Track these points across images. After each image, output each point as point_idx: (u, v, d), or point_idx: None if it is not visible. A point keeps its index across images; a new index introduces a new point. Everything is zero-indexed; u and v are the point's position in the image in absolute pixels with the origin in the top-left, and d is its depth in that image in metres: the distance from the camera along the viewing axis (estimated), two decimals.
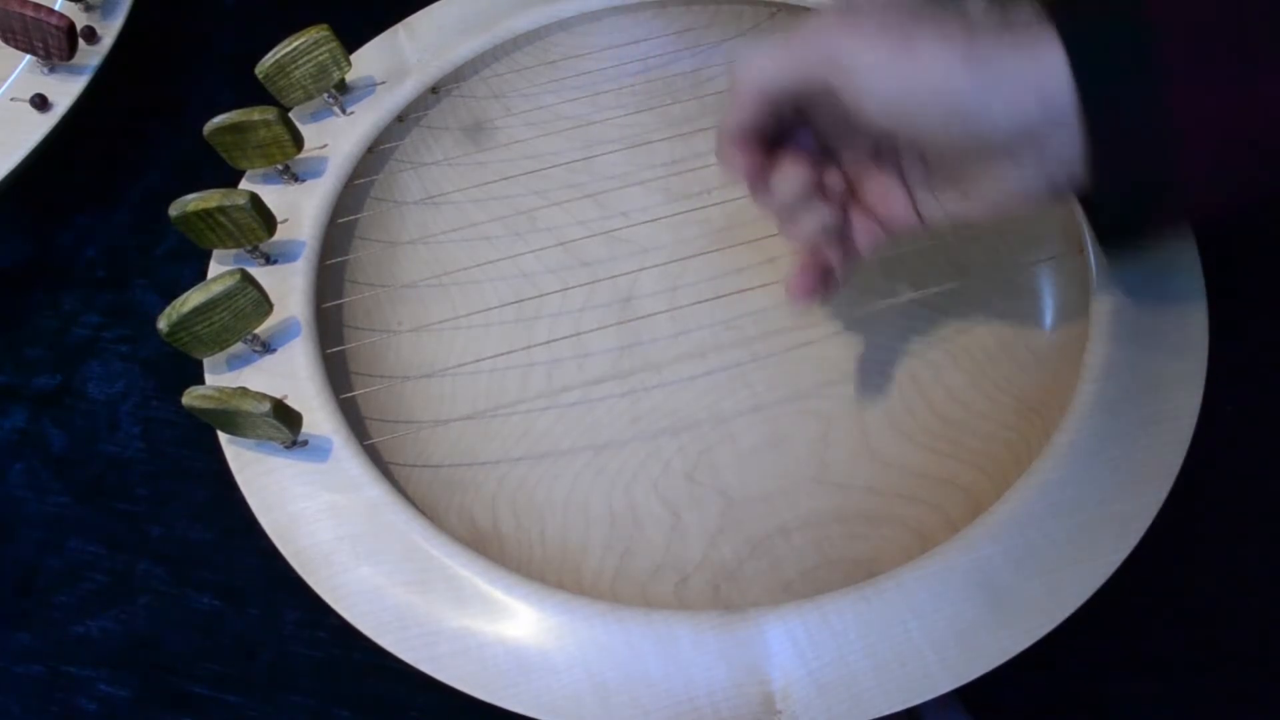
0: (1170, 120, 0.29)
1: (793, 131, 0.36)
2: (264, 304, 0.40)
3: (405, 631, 0.36)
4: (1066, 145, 0.30)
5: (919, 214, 0.36)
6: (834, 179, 0.37)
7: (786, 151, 0.36)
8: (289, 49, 0.45)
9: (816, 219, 0.36)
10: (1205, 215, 0.34)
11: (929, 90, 0.30)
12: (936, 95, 0.30)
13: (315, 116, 0.48)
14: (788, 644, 0.35)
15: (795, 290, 0.39)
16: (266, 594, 0.45)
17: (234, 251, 0.44)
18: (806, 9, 0.49)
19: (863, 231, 0.38)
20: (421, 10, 0.51)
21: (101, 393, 0.50)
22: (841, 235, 0.37)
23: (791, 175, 0.36)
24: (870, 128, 0.33)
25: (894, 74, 0.31)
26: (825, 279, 0.39)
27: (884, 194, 0.37)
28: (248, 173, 0.47)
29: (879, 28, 0.31)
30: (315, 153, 0.47)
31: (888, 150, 0.36)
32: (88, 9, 0.52)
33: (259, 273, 0.43)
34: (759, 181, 0.36)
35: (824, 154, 0.37)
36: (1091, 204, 0.31)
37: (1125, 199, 0.31)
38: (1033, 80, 0.29)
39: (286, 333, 0.43)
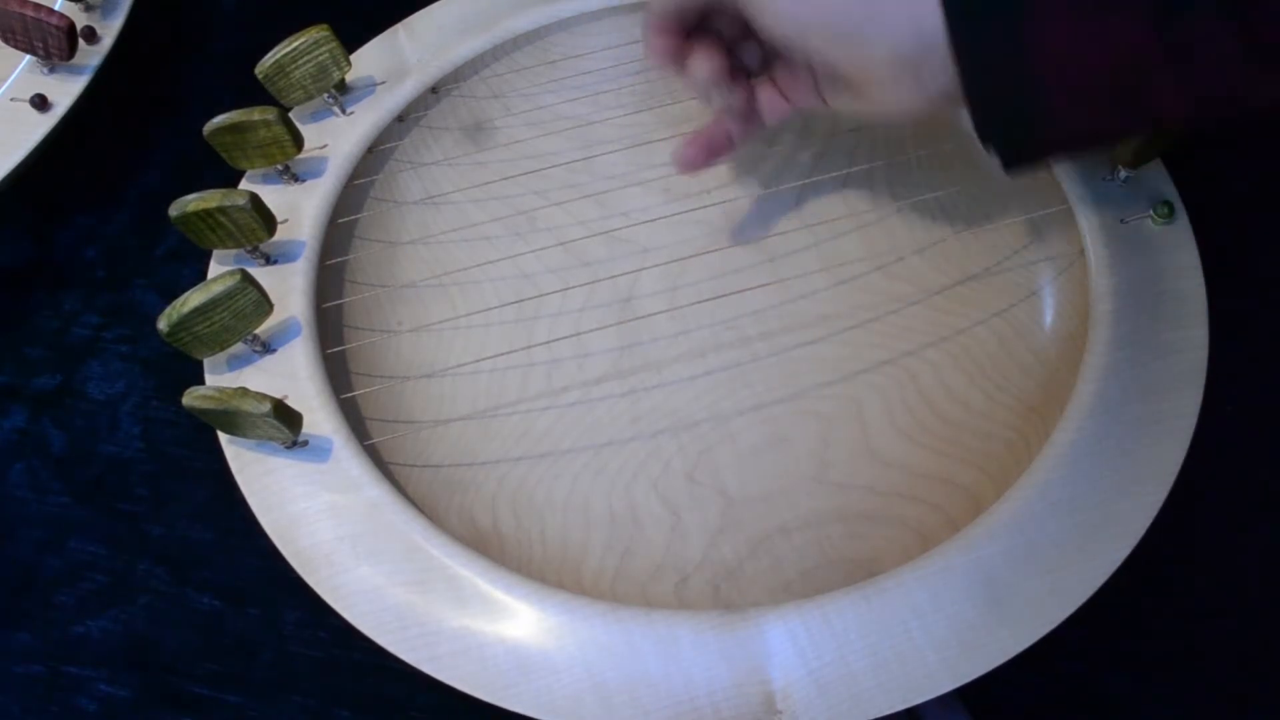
0: (1028, 55, 0.32)
1: (712, 18, 0.40)
2: (264, 304, 0.40)
3: (405, 631, 0.36)
4: (939, 71, 0.33)
5: (824, 100, 0.40)
6: (750, 53, 0.42)
7: (702, 38, 0.40)
8: (289, 49, 0.45)
9: (724, 99, 0.41)
10: (1076, 145, 0.37)
11: (815, 15, 0.35)
12: (823, 21, 0.35)
13: (315, 116, 0.48)
14: (788, 644, 0.35)
15: (683, 159, 0.43)
16: (266, 594, 0.45)
17: (234, 251, 0.44)
18: None
19: (770, 107, 0.42)
20: (421, 10, 0.51)
21: (101, 393, 0.50)
22: (748, 110, 0.42)
23: (704, 61, 0.40)
24: (766, 38, 0.37)
25: (786, 8, 0.35)
26: (717, 150, 0.43)
27: (791, 79, 0.41)
28: (248, 173, 0.47)
29: None
30: (315, 153, 0.47)
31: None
32: (88, 9, 0.52)
33: (259, 273, 0.43)
34: (676, 64, 0.40)
35: (742, 34, 0.41)
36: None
37: (996, 121, 0.34)
38: (908, 12, 0.33)
39: (286, 333, 0.43)
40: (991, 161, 0.36)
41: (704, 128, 0.43)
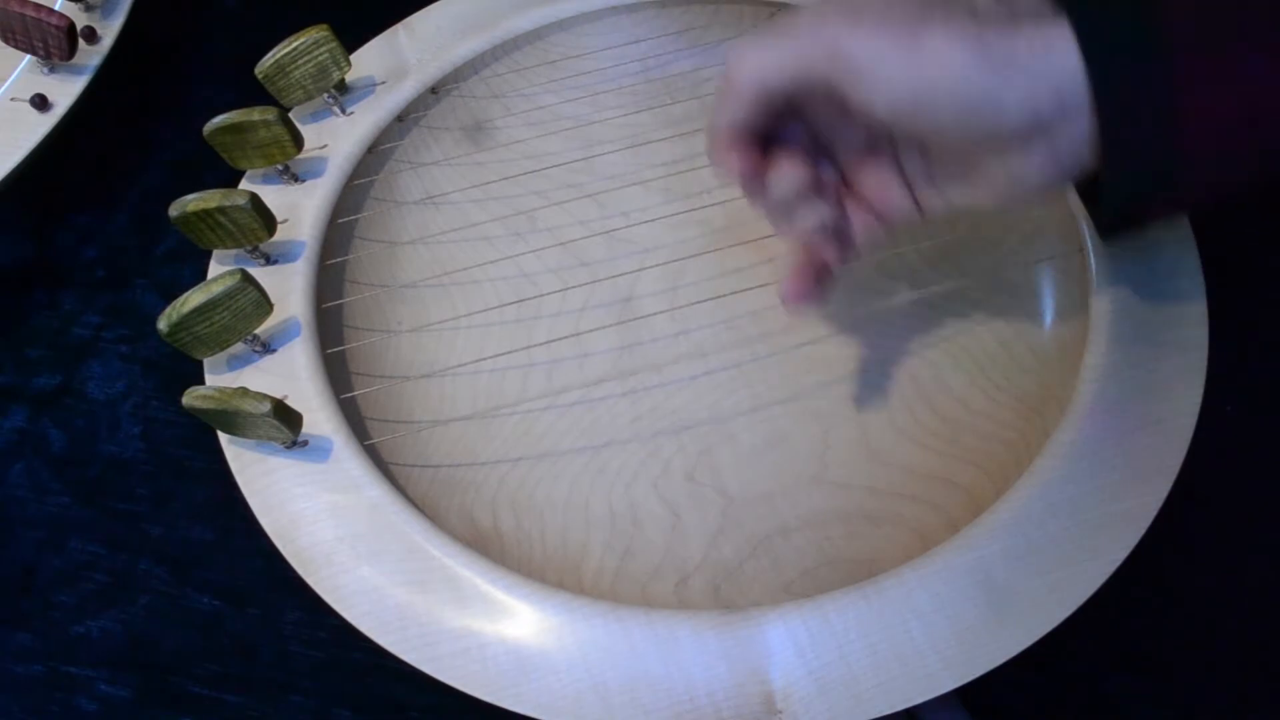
0: (1178, 109, 0.29)
1: (784, 124, 0.35)
2: (264, 304, 0.40)
3: (405, 631, 0.36)
4: (1078, 134, 0.30)
5: (918, 205, 0.35)
6: (828, 173, 0.36)
7: (781, 149, 0.35)
8: (289, 49, 0.45)
9: (814, 217, 0.35)
10: (1207, 202, 0.34)
11: (941, 87, 0.30)
12: (949, 92, 0.30)
13: (315, 116, 0.48)
14: (788, 644, 0.35)
15: (790, 293, 0.38)
16: (266, 594, 0.45)
17: (234, 252, 0.44)
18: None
19: (860, 226, 0.37)
20: (421, 10, 0.51)
21: (101, 393, 0.50)
22: (838, 231, 0.37)
23: (789, 174, 0.35)
24: (873, 123, 0.33)
25: (903, 70, 0.30)
26: (820, 279, 0.38)
27: (881, 187, 0.36)
28: (248, 173, 0.47)
29: (882, 20, 0.30)
30: (315, 153, 0.47)
31: (883, 141, 0.35)
32: (88, 9, 0.52)
33: (259, 273, 0.43)
34: (754, 181, 0.35)
35: (816, 147, 0.36)
36: (1095, 190, 0.31)
37: (1132, 184, 0.31)
38: (1046, 72, 0.29)
39: (286, 333, 0.43)
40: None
41: (800, 259, 0.38)
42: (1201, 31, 0.28)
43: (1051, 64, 0.29)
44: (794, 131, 0.36)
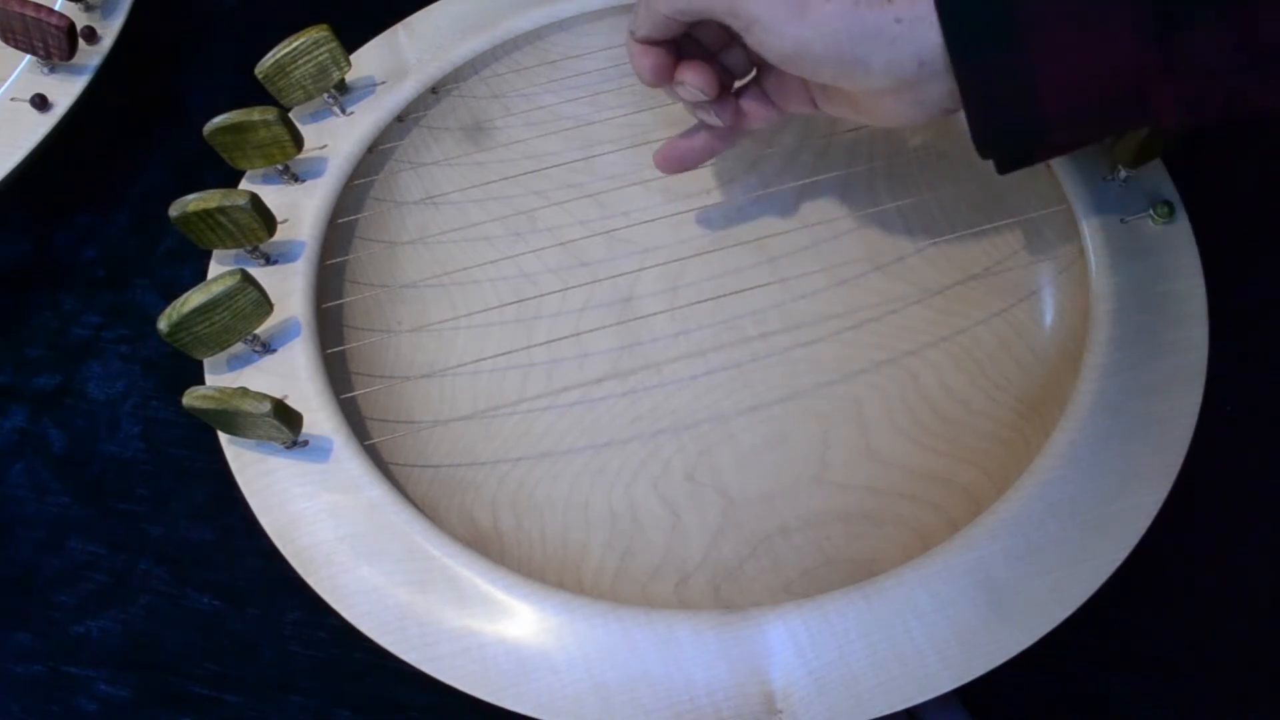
0: (1031, 77, 0.33)
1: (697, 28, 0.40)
2: (264, 304, 0.40)
3: (405, 631, 0.36)
4: (940, 90, 0.34)
5: (816, 105, 0.40)
6: (737, 58, 0.42)
7: (690, 53, 0.40)
8: (289, 49, 0.45)
9: (713, 116, 0.41)
10: (1071, 149, 0.40)
11: (818, 48, 0.35)
12: (825, 53, 0.35)
13: (315, 116, 0.48)
14: (788, 644, 0.35)
15: (665, 162, 0.44)
16: (266, 594, 0.45)
17: (234, 252, 0.44)
18: None
19: (759, 114, 0.42)
20: (421, 10, 0.51)
21: (101, 393, 0.50)
22: (735, 121, 0.42)
23: (694, 78, 0.40)
24: (760, 56, 0.37)
25: (789, 30, 0.35)
26: (700, 158, 0.44)
27: (783, 89, 0.41)
28: (248, 173, 0.47)
29: None
30: (315, 153, 0.47)
31: None
32: (88, 9, 0.52)
33: (259, 273, 0.43)
34: (664, 82, 0.40)
35: (723, 47, 0.42)
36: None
37: (997, 135, 0.35)
38: (910, 43, 0.33)
39: (287, 333, 0.43)
40: (986, 164, 0.36)
41: (689, 133, 0.43)
42: (1050, 9, 0.32)
43: (916, 35, 0.33)
44: (706, 33, 0.41)
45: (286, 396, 0.40)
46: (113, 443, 0.49)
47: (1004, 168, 0.38)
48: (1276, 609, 0.43)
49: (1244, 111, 0.32)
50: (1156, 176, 0.44)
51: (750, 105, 0.42)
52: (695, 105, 0.41)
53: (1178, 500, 0.37)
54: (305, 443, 0.40)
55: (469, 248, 0.50)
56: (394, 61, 0.49)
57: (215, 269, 0.45)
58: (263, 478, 0.40)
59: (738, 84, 0.43)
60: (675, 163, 0.44)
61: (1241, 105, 0.32)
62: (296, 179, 0.46)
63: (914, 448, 0.44)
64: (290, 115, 0.44)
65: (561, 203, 0.50)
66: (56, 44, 0.49)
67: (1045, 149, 0.37)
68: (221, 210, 0.41)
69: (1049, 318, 0.45)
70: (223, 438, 0.41)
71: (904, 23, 0.33)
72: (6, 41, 0.49)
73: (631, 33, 0.40)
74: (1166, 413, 0.39)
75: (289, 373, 0.42)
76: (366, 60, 0.49)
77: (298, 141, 0.45)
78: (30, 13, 0.48)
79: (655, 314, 0.48)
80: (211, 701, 0.43)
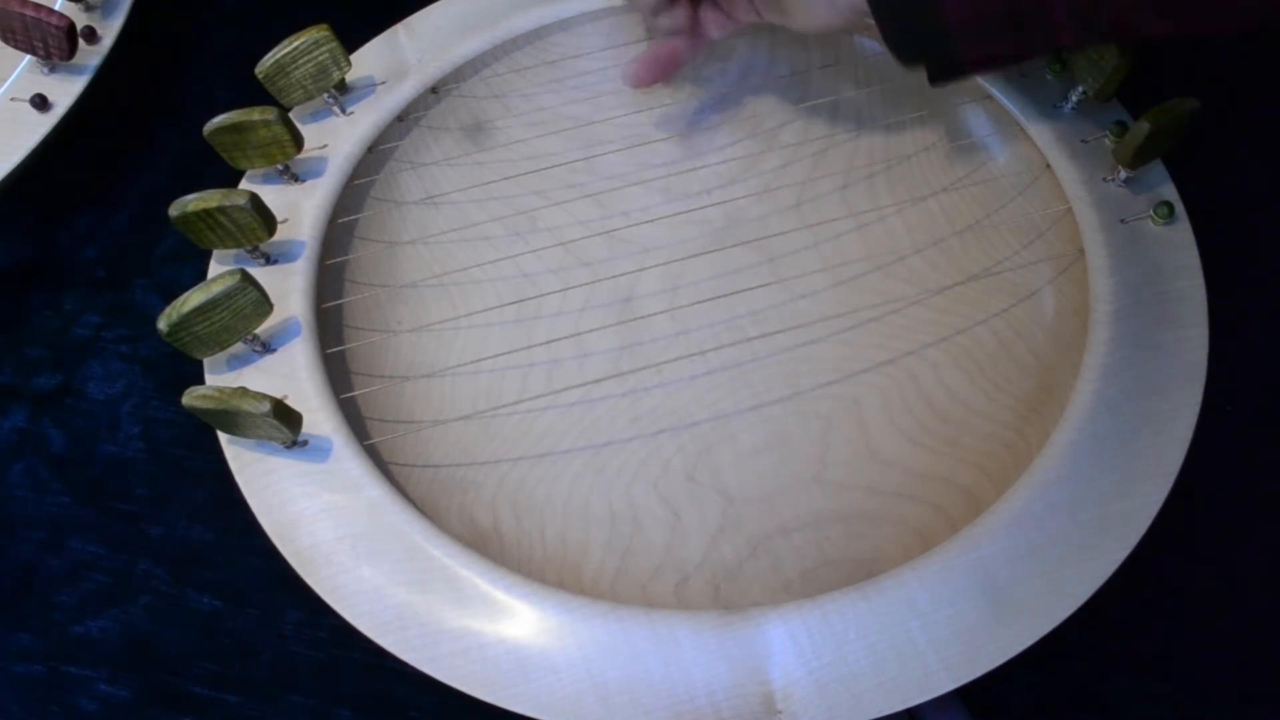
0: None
1: None
2: (264, 304, 0.40)
3: (405, 631, 0.36)
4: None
5: (759, 13, 0.44)
6: None
7: None
8: (289, 49, 0.45)
9: (671, 21, 0.46)
10: (987, 67, 0.43)
11: None
12: None
13: (315, 116, 0.48)
14: (788, 644, 0.35)
15: (636, 76, 0.47)
16: (266, 594, 0.45)
17: (234, 251, 0.44)
18: None
19: (713, 23, 0.46)
20: (421, 10, 0.51)
21: (101, 393, 0.50)
22: (692, 29, 0.46)
23: None
24: None
25: None
26: (665, 67, 0.47)
27: (731, 3, 0.46)
28: (248, 173, 0.47)
29: None
30: (315, 153, 0.47)
31: None
32: (88, 9, 0.52)
33: (259, 273, 0.43)
34: None
35: None
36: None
37: (909, 46, 0.39)
38: None
39: (286, 333, 0.43)
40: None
41: (652, 46, 0.47)
42: None
43: None
44: None
45: (286, 396, 0.40)
46: (113, 443, 0.49)
47: (933, 78, 0.40)
48: (1276, 609, 0.43)
49: (1132, 35, 0.36)
50: (1156, 177, 0.44)
51: (706, 14, 0.46)
52: (654, 11, 0.45)
53: (1178, 500, 0.37)
54: (305, 443, 0.40)
55: (469, 248, 0.50)
56: (394, 61, 0.49)
57: (215, 269, 0.45)
58: (263, 478, 0.40)
59: None
60: (645, 73, 0.47)
61: (1130, 29, 0.36)
62: (296, 179, 0.46)
63: (914, 448, 0.44)
64: (290, 115, 0.44)
65: (562, 203, 0.50)
66: (56, 44, 0.49)
67: (967, 62, 0.40)
68: (221, 210, 0.41)
69: (1049, 318, 0.45)
70: (223, 438, 0.41)
71: None
72: (6, 41, 0.49)
73: None
74: (1166, 413, 0.39)
75: (289, 373, 0.42)
76: (367, 60, 0.49)
77: (298, 141, 0.45)
78: (30, 13, 0.48)
79: (655, 314, 0.48)
80: (211, 701, 0.43)
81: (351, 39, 0.47)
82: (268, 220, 0.43)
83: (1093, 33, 0.36)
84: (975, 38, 0.37)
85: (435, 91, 0.50)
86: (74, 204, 0.55)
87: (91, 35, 0.51)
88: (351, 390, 0.44)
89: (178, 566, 0.46)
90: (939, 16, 0.37)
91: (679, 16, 0.46)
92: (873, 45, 0.50)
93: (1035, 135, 0.45)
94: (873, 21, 0.38)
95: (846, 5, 0.39)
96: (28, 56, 0.50)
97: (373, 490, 0.39)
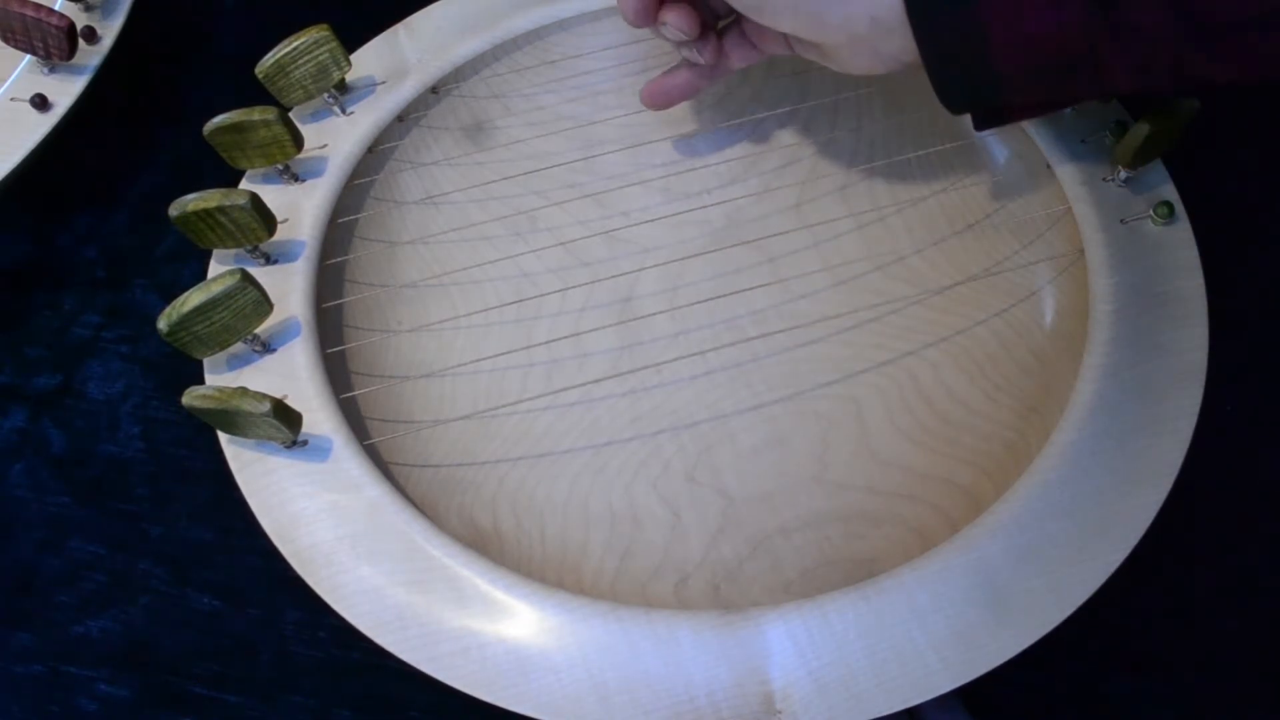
0: (983, 41, 0.35)
1: None
2: (264, 304, 0.40)
3: (405, 631, 0.36)
4: (896, 45, 0.37)
5: (791, 49, 0.42)
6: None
7: (673, 2, 0.42)
8: (289, 49, 0.45)
9: (695, 55, 0.44)
10: (1035, 112, 0.41)
11: (780, 5, 0.38)
12: (784, 6, 0.38)
13: (315, 116, 0.48)
14: (788, 644, 0.35)
15: (651, 97, 0.46)
16: (266, 594, 0.45)
17: (234, 251, 0.44)
18: None
19: (739, 55, 0.44)
20: (421, 10, 0.51)
21: (101, 393, 0.50)
22: (717, 60, 0.44)
23: (674, 25, 0.42)
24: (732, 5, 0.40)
25: None
26: (684, 94, 0.46)
27: (760, 31, 0.43)
28: (248, 173, 0.47)
29: None
30: (315, 153, 0.47)
31: None
32: (88, 9, 0.52)
33: (259, 273, 0.43)
34: (648, 22, 0.42)
35: None
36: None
37: (957, 94, 0.37)
38: (864, 1, 0.36)
39: (286, 333, 0.43)
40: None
41: (674, 70, 0.46)
42: None
43: None
44: None
45: (286, 396, 0.40)
46: (113, 443, 0.49)
47: (979, 124, 0.40)
48: (1276, 609, 0.43)
49: (1192, 81, 0.34)
50: (1156, 177, 0.44)
51: (731, 45, 0.44)
52: (679, 44, 0.43)
53: (1178, 500, 0.37)
54: (305, 443, 0.40)
55: (469, 248, 0.50)
56: (394, 61, 0.49)
57: (215, 268, 0.45)
58: (262, 478, 0.40)
59: (721, 23, 0.44)
60: (661, 98, 0.46)
61: (1189, 75, 0.34)
62: (296, 179, 0.46)
63: (914, 448, 0.44)
64: (290, 115, 0.44)
65: (562, 203, 0.50)
66: (56, 44, 0.49)
67: (1014, 109, 0.39)
68: (221, 210, 0.41)
69: (1049, 318, 0.45)
70: (223, 438, 0.41)
71: None
72: (6, 41, 0.49)
73: None
74: (1166, 413, 0.39)
75: (289, 372, 0.42)
76: (367, 60, 0.49)
77: (298, 141, 0.45)
78: (30, 13, 0.48)
79: (655, 314, 0.48)
80: (211, 701, 0.43)
81: (351, 39, 0.47)
82: (268, 220, 0.43)
83: (1152, 78, 0.34)
84: (1026, 85, 0.36)
85: (435, 91, 0.50)
86: (74, 204, 0.55)
87: (91, 35, 0.51)
88: (351, 390, 0.44)
89: (178, 566, 0.46)
90: (991, 66, 0.35)
91: (707, 54, 0.43)
92: None
93: (1035, 136, 0.45)
94: (919, 67, 0.37)
95: (891, 56, 0.37)
96: (28, 56, 0.50)
97: (373, 490, 0.39)
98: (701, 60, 0.44)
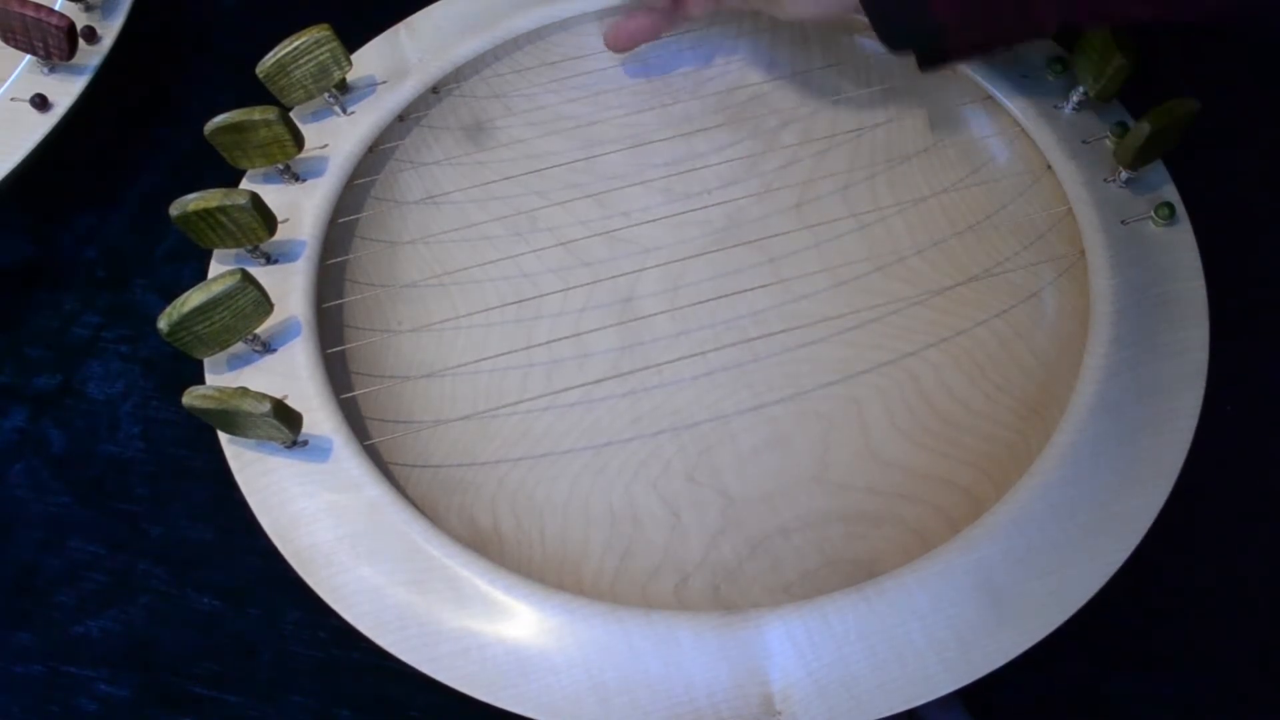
0: None
1: None
2: (264, 304, 0.40)
3: (405, 631, 0.36)
4: None
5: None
6: None
7: None
8: (289, 49, 0.45)
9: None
10: (973, 54, 0.44)
11: None
12: None
13: (316, 116, 0.48)
14: (788, 645, 0.35)
15: (615, 40, 0.48)
16: (266, 594, 0.45)
17: (234, 251, 0.44)
18: None
19: (696, 3, 0.47)
20: (422, 10, 0.51)
21: (101, 393, 0.50)
22: (675, 5, 0.47)
23: None
24: None
25: None
26: (637, 39, 0.48)
27: None
28: (248, 172, 0.47)
29: None
30: (316, 152, 0.47)
31: None
32: (88, 9, 0.52)
33: (259, 272, 0.43)
34: None
35: None
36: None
37: (898, 37, 0.40)
38: None
39: (287, 333, 0.43)
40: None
41: (634, 14, 0.48)
42: None
43: None
44: None
45: (286, 396, 0.40)
46: (113, 443, 0.49)
47: (923, 65, 0.42)
48: (1276, 609, 0.43)
49: (1113, 19, 0.39)
50: (1157, 178, 0.44)
51: None
52: None
53: (1178, 500, 0.37)
54: (305, 443, 0.40)
55: (469, 247, 0.50)
56: (395, 61, 0.49)
57: (215, 268, 0.45)
58: (262, 477, 0.40)
59: None
60: (624, 39, 0.48)
61: (1110, 13, 0.38)
62: (297, 178, 0.46)
63: (914, 448, 0.44)
64: (291, 115, 0.44)
65: (562, 203, 0.50)
66: (56, 44, 0.49)
67: (955, 50, 0.41)
68: (222, 209, 0.41)
69: (1049, 319, 0.45)
70: (223, 438, 0.41)
71: None
72: (6, 41, 0.49)
73: None
74: (1166, 413, 0.39)
75: (289, 372, 0.42)
76: (367, 60, 0.49)
77: (298, 141, 0.45)
78: (30, 13, 0.47)
79: (656, 314, 0.48)
80: (211, 701, 0.43)
81: (352, 39, 0.47)
82: (268, 220, 0.43)
83: (1074, 14, 0.38)
84: (963, 29, 0.39)
85: (436, 91, 0.50)
86: (74, 204, 0.55)
87: (91, 35, 0.51)
88: (352, 390, 0.44)
89: (178, 566, 0.46)
90: (929, 14, 0.38)
91: None
92: (874, 45, 0.50)
93: (1036, 136, 0.45)
94: (859, 10, 0.40)
95: (835, 0, 0.41)
96: (28, 56, 0.50)
97: (372, 490, 0.39)
98: (659, 3, 0.46)
